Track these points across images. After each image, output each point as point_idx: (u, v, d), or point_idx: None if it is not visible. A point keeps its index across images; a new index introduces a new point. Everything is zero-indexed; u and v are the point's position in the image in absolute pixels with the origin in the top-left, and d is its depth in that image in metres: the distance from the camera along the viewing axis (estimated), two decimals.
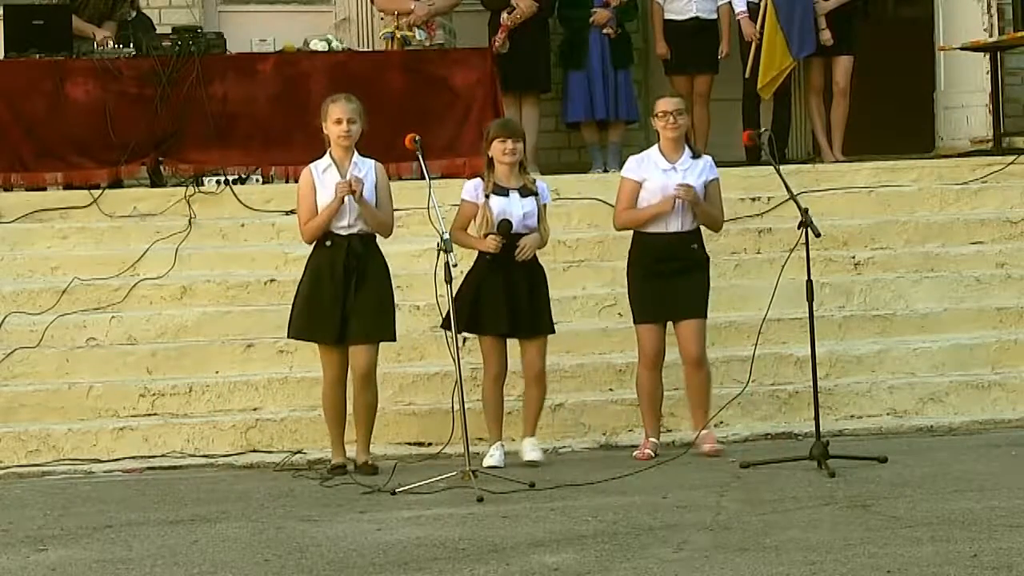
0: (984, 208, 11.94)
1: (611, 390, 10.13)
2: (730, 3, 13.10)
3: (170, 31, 12.39)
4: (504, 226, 9.20)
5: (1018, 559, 6.56)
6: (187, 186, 11.68)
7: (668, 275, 9.29)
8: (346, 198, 9.03)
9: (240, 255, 11.15)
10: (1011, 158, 12.31)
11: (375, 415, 9.23)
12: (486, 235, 9.23)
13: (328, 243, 9.12)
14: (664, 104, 9.46)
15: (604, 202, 11.07)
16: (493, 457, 9.17)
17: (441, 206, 9.22)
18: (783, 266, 9.59)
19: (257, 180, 11.97)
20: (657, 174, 9.38)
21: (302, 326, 9.19)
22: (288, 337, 9.36)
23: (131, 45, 12.06)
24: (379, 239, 9.28)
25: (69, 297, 10.65)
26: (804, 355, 9.44)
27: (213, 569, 6.92)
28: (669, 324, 9.41)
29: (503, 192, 9.29)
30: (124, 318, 10.55)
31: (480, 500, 8.14)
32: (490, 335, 9.24)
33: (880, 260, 11.35)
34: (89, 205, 11.53)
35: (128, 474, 9.49)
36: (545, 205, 9.47)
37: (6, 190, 11.86)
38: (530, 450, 9.25)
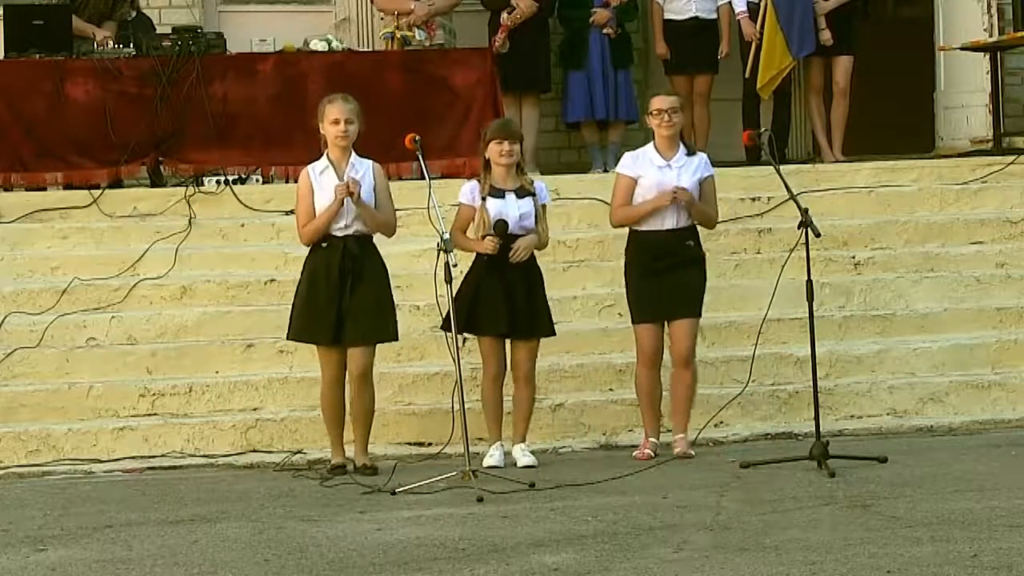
0: (984, 208, 11.94)
1: (611, 390, 10.13)
2: (730, 3, 13.10)
3: (170, 31, 12.39)
4: (500, 227, 9.20)
5: (1018, 559, 6.56)
6: (187, 186, 11.68)
7: (664, 272, 9.29)
8: (346, 202, 9.03)
9: (240, 255, 11.15)
10: (1011, 158, 12.31)
11: (373, 417, 9.22)
12: (483, 237, 9.23)
13: (324, 244, 9.11)
14: (659, 102, 9.45)
15: (604, 202, 11.05)
16: (493, 457, 9.17)
17: (441, 206, 9.22)
18: (783, 266, 9.60)
19: (257, 180, 11.97)
20: (652, 171, 9.38)
21: (301, 327, 9.19)
22: (287, 338, 9.36)
23: (131, 45, 12.06)
24: (377, 239, 9.27)
25: (69, 297, 10.66)
26: (804, 355, 9.44)
27: (213, 569, 6.92)
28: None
29: (499, 194, 9.29)
30: (124, 318, 10.56)
31: (480, 500, 8.14)
32: (488, 335, 9.24)
33: (880, 260, 11.35)
34: (89, 205, 11.54)
35: (128, 474, 9.49)
36: (544, 205, 9.47)
37: (6, 190, 11.86)
38: (522, 456, 9.24)
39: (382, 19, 13.15)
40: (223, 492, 8.78)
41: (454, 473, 8.64)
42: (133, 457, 9.70)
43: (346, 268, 9.06)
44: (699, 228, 9.51)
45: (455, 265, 8.92)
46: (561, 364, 10.23)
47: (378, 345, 9.29)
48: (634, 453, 9.37)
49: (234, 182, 11.77)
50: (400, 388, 10.06)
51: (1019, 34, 13.56)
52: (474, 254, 9.38)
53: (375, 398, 9.23)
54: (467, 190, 9.38)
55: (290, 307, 9.29)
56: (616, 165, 9.72)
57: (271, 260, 11.02)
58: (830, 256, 11.21)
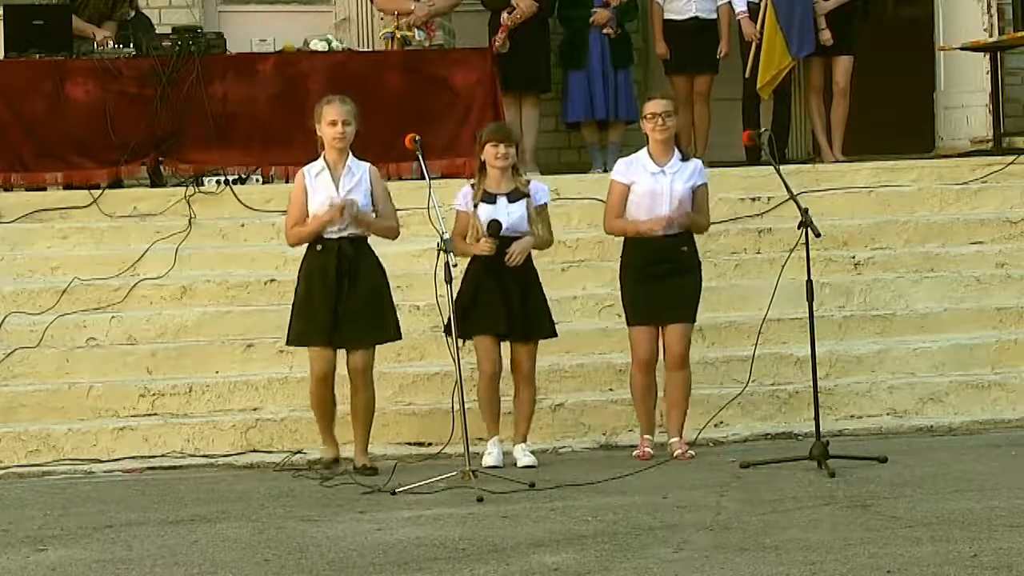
0: (984, 208, 11.94)
1: (611, 390, 10.13)
2: (730, 3, 13.10)
3: (170, 31, 12.39)
4: (494, 226, 9.20)
5: (1018, 559, 6.56)
6: (187, 186, 11.68)
7: (659, 277, 9.29)
8: (339, 200, 9.01)
9: (240, 255, 11.16)
10: (1011, 158, 12.31)
11: (373, 417, 9.22)
12: (478, 240, 9.23)
13: (319, 247, 9.10)
14: (653, 106, 9.45)
15: (604, 202, 11.02)
16: (491, 456, 9.17)
17: (441, 206, 9.22)
18: (783, 266, 9.60)
19: (257, 180, 11.97)
20: (646, 177, 9.38)
21: (299, 331, 9.16)
22: (287, 344, 9.34)
23: (131, 45, 12.06)
24: (376, 240, 9.27)
25: (69, 297, 10.66)
26: (804, 355, 9.44)
27: (213, 569, 6.92)
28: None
29: (491, 199, 9.30)
30: (124, 318, 10.56)
31: (480, 500, 8.14)
32: (484, 335, 9.22)
33: (880, 260, 11.35)
34: (89, 205, 11.54)
35: (128, 474, 9.49)
36: (545, 205, 9.47)
37: (6, 190, 11.86)
38: (523, 456, 9.25)
39: (382, 19, 13.15)
40: (223, 492, 8.78)
41: (454, 473, 8.64)
42: (133, 457, 9.70)
43: (342, 270, 9.05)
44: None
45: (455, 265, 8.92)
46: (561, 364, 10.23)
47: (381, 344, 9.29)
48: (634, 453, 9.37)
49: (234, 182, 11.77)
50: (400, 388, 10.07)
51: (1019, 34, 13.56)
52: (471, 257, 9.38)
53: (375, 398, 9.23)
54: (460, 196, 9.39)
55: (290, 308, 9.29)
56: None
57: (271, 260, 11.02)
58: (830, 256, 11.21)
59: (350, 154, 9.19)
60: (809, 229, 8.96)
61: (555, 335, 9.51)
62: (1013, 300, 11.07)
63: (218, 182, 11.68)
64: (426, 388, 10.04)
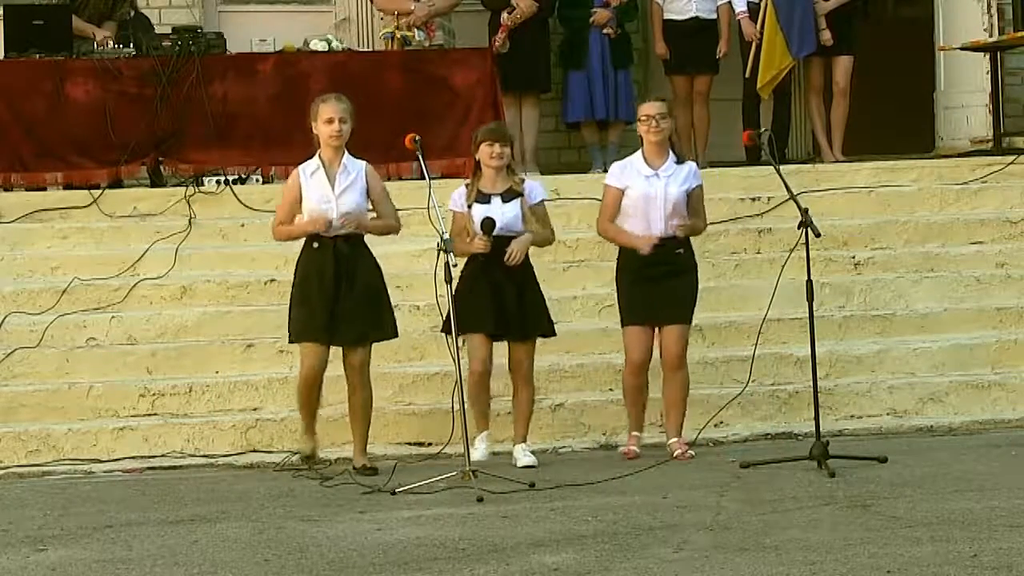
0: (984, 208, 11.94)
1: (611, 390, 10.12)
2: (730, 3, 13.09)
3: (170, 31, 12.39)
4: (487, 224, 9.19)
5: (1018, 559, 6.56)
6: (187, 186, 11.68)
7: (655, 279, 9.28)
8: (334, 201, 9.00)
9: (240, 255, 11.16)
10: (1011, 158, 12.31)
11: (371, 416, 9.20)
12: (471, 239, 9.22)
13: (315, 245, 9.10)
14: (647, 108, 9.45)
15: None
16: (478, 451, 9.16)
17: (441, 206, 9.23)
18: (783, 266, 9.60)
19: (257, 180, 11.97)
20: (640, 181, 9.38)
21: (300, 330, 9.16)
22: (290, 342, 9.33)
23: (131, 45, 12.06)
24: (375, 239, 9.27)
25: (69, 297, 10.66)
26: (804, 355, 9.44)
27: (213, 569, 6.92)
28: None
29: (485, 199, 9.30)
30: (124, 318, 10.56)
31: (480, 500, 8.14)
32: (474, 333, 9.19)
33: (880, 260, 11.35)
34: (89, 205, 11.54)
35: (128, 474, 9.49)
36: (541, 202, 9.46)
37: (6, 190, 11.86)
38: (523, 456, 9.25)
39: (382, 19, 13.14)
40: (223, 492, 8.78)
41: (454, 473, 8.64)
42: (133, 457, 9.70)
43: (339, 269, 9.04)
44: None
45: (455, 265, 8.92)
46: (561, 364, 10.23)
47: (379, 344, 9.30)
48: (621, 449, 9.37)
49: (234, 182, 11.77)
50: (400, 388, 10.07)
51: (1019, 34, 13.56)
52: (468, 256, 9.38)
53: (373, 398, 9.22)
54: (455, 197, 9.39)
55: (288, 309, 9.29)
56: None
57: (271, 260, 11.02)
58: (830, 256, 11.21)
59: (346, 152, 9.19)
60: (809, 229, 8.96)
61: (553, 334, 9.51)
62: (1013, 300, 11.07)
63: (218, 182, 11.69)
64: (426, 388, 10.04)
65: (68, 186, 11.84)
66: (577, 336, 10.45)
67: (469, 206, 9.31)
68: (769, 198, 11.61)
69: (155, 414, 10.00)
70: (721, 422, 9.88)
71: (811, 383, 8.99)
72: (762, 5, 12.77)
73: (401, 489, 8.46)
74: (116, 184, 11.88)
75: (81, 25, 12.32)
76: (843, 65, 13.12)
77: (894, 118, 14.39)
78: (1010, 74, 14.48)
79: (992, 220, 11.71)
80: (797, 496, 8.06)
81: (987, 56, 13.66)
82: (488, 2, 13.11)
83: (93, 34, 12.23)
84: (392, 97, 12.04)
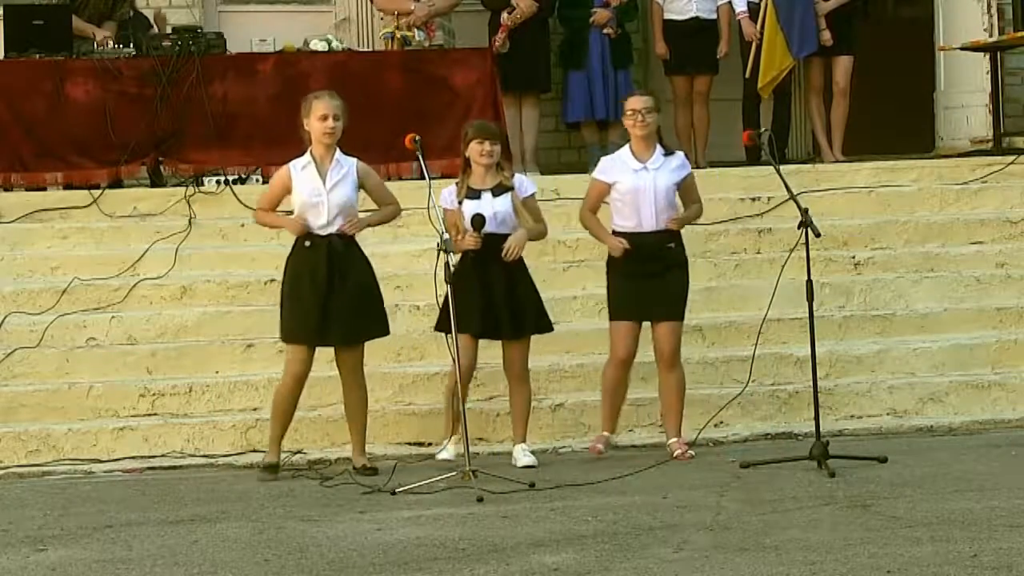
0: (984, 208, 11.95)
1: None
2: (730, 3, 13.09)
3: (170, 31, 12.39)
4: (477, 221, 9.17)
5: (1018, 559, 6.57)
6: (187, 186, 11.68)
7: (645, 276, 9.27)
8: (325, 195, 9.00)
9: (240, 255, 11.15)
10: (1011, 158, 12.31)
11: (367, 415, 9.19)
12: (462, 236, 9.21)
13: (307, 243, 9.09)
14: (633, 103, 9.44)
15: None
16: (447, 451, 9.17)
17: (441, 206, 9.22)
18: (783, 266, 9.60)
19: (257, 180, 11.96)
20: (628, 175, 9.37)
21: (291, 329, 9.13)
22: (282, 340, 9.31)
23: (131, 45, 12.06)
24: (375, 238, 9.27)
25: (69, 297, 10.66)
26: (804, 355, 9.44)
27: (213, 569, 6.93)
28: (644, 328, 9.39)
29: (475, 195, 9.28)
30: (124, 318, 10.56)
31: (480, 500, 8.14)
32: (460, 333, 9.12)
33: (880, 260, 11.35)
34: (89, 205, 11.53)
35: (128, 474, 9.49)
36: (532, 195, 9.44)
37: (6, 190, 11.86)
38: (522, 456, 9.23)
39: (382, 19, 13.15)
40: (223, 492, 8.78)
41: (454, 473, 8.64)
42: (133, 457, 9.70)
43: (332, 267, 9.02)
44: (684, 228, 9.50)
45: (455, 265, 8.91)
46: (561, 364, 10.23)
47: (379, 344, 9.29)
48: (587, 446, 9.39)
49: (234, 182, 11.77)
50: (400, 388, 10.06)
51: (1019, 34, 13.56)
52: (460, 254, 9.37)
53: (367, 397, 9.19)
54: (445, 195, 9.36)
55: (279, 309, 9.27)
56: None
57: (271, 260, 10.99)
58: (830, 256, 11.21)
59: (337, 149, 9.18)
60: (809, 229, 8.96)
61: (550, 330, 9.46)
62: (1013, 300, 11.07)
63: (218, 182, 11.68)
64: (426, 388, 10.03)
65: (68, 186, 11.84)
66: (577, 336, 10.45)
67: (460, 202, 9.29)
68: (769, 198, 11.61)
69: (155, 414, 10.00)
70: (721, 422, 9.88)
71: (811, 383, 8.99)
72: (762, 5, 12.77)
73: (401, 489, 8.46)
74: (116, 184, 11.87)
75: (81, 25, 12.32)
76: (843, 65, 13.12)
77: (894, 118, 14.40)
78: (1010, 74, 14.49)
79: (992, 220, 11.72)
80: (797, 496, 8.06)
81: (987, 56, 13.66)
82: (488, 2, 13.11)
83: (93, 34, 12.23)
84: (392, 97, 12.04)
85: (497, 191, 9.31)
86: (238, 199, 11.58)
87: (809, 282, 8.98)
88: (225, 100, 11.94)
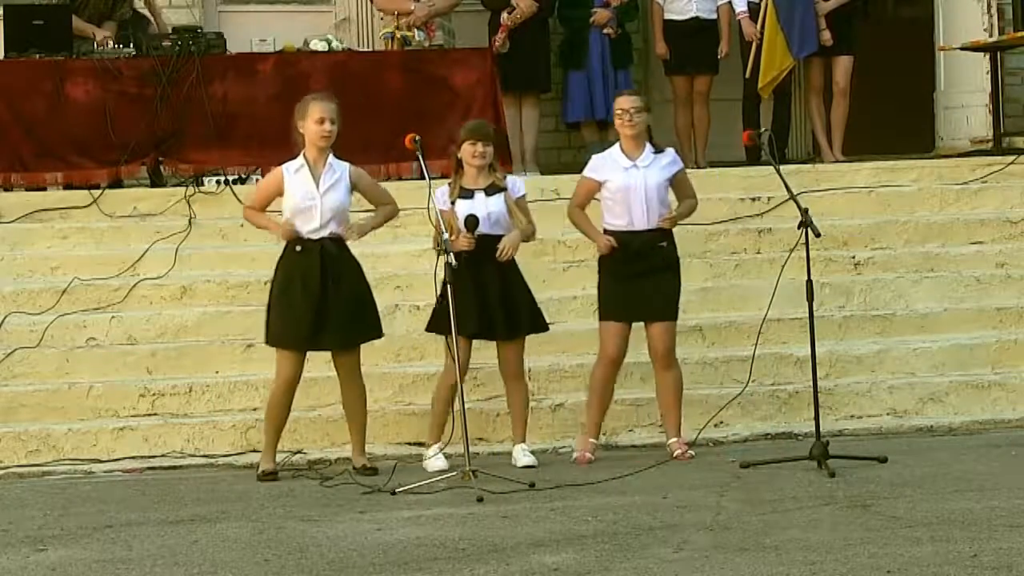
0: (984, 208, 11.94)
1: None
2: (730, 3, 13.09)
3: (170, 31, 12.39)
4: (471, 221, 9.16)
5: (1018, 559, 6.57)
6: (187, 186, 11.68)
7: (637, 276, 9.26)
8: (318, 198, 8.99)
9: (240, 255, 11.15)
10: (1011, 158, 12.31)
11: (366, 414, 9.17)
12: (456, 237, 9.20)
13: (298, 248, 9.06)
14: (622, 102, 9.43)
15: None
16: (440, 461, 9.06)
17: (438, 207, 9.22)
18: (783, 266, 9.60)
19: (257, 180, 11.93)
20: (619, 173, 9.36)
21: (279, 332, 9.08)
22: (267, 343, 9.24)
23: (131, 45, 12.06)
24: (375, 238, 9.26)
25: (69, 297, 10.66)
26: (804, 355, 9.44)
27: (213, 569, 6.93)
28: (635, 329, 9.37)
29: (468, 195, 9.27)
30: (124, 318, 10.56)
31: (480, 500, 8.14)
32: (457, 335, 9.10)
33: (880, 260, 11.35)
34: (89, 205, 11.54)
35: (128, 474, 9.49)
36: (523, 196, 9.43)
37: (6, 190, 11.86)
38: (522, 456, 9.22)
39: (382, 19, 13.15)
40: (223, 492, 8.79)
41: (454, 473, 8.64)
42: (133, 457, 9.70)
43: (326, 272, 8.99)
44: (683, 228, 9.50)
45: (456, 265, 8.91)
46: (561, 364, 10.23)
47: (378, 344, 9.28)
48: (574, 456, 9.28)
49: (234, 182, 11.76)
50: (400, 388, 10.06)
51: (1019, 34, 13.56)
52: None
53: (366, 397, 9.18)
54: (438, 195, 9.34)
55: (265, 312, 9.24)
56: None
57: (271, 260, 10.88)
58: (830, 256, 11.21)
59: (330, 153, 9.17)
60: (809, 229, 8.96)
61: (545, 329, 9.45)
62: (1013, 300, 11.07)
63: (218, 182, 11.69)
64: (426, 388, 10.00)
65: (68, 186, 11.84)
66: (576, 336, 10.44)
67: (452, 203, 9.28)
68: (769, 198, 11.61)
69: (155, 414, 10.00)
70: (721, 422, 9.87)
71: (811, 383, 8.99)
72: (762, 5, 12.77)
73: (401, 489, 8.46)
74: (116, 184, 11.87)
75: (81, 25, 12.32)
76: (843, 65, 13.12)
77: (894, 118, 14.40)
78: (1010, 74, 14.49)
79: (992, 220, 11.71)
80: (797, 496, 8.06)
81: (987, 56, 13.66)
82: (488, 2, 13.11)
83: (93, 34, 12.23)
84: (392, 97, 12.04)
85: (490, 191, 9.30)
86: (238, 199, 11.55)
87: (809, 282, 8.98)
88: (225, 100, 11.94)
